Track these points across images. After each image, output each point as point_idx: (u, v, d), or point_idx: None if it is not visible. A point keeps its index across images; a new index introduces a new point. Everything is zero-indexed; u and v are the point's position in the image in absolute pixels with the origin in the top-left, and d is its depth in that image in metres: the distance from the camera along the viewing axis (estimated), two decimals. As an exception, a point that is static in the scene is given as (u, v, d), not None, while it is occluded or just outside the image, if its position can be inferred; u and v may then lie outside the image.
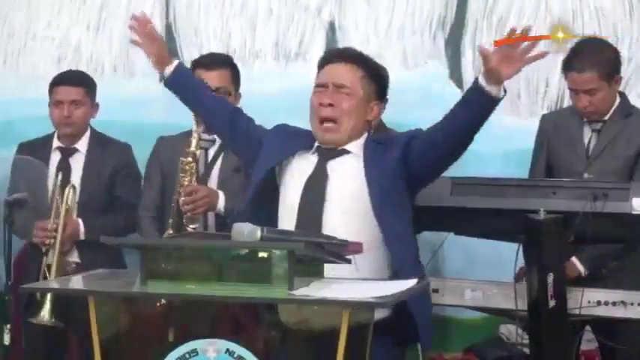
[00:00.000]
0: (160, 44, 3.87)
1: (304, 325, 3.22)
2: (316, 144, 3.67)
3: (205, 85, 4.04)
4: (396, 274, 3.49)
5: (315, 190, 3.57)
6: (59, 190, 4.70)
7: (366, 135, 3.68)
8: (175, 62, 3.87)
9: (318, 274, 3.32)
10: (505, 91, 3.42)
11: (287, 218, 3.58)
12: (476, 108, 3.44)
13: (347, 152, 3.63)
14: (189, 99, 3.92)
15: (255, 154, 3.75)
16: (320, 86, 3.67)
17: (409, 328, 3.53)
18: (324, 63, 3.72)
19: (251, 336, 3.19)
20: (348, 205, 3.54)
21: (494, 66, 3.34)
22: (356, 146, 3.64)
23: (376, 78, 3.70)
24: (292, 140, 3.72)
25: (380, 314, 3.42)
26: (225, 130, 3.89)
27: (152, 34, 3.86)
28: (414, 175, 3.57)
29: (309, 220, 3.52)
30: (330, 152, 3.63)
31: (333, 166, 3.61)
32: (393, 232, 3.52)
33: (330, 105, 3.60)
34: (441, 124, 3.52)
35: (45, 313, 4.52)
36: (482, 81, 3.39)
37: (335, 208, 3.54)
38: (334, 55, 3.77)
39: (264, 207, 3.64)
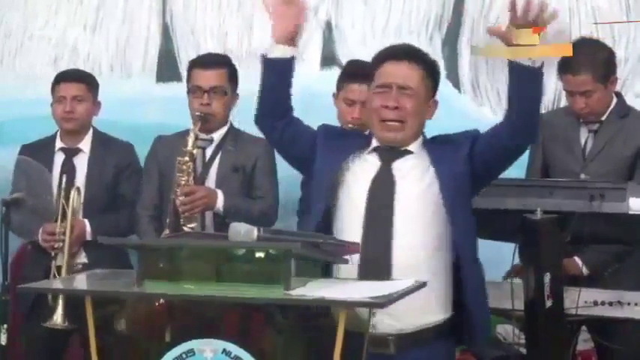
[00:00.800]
0: (298, 24, 3.65)
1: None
2: (374, 144, 3.60)
3: (290, 89, 3.75)
4: (458, 273, 3.48)
5: (383, 191, 3.50)
6: (65, 192, 4.70)
7: (421, 135, 3.63)
8: (294, 52, 3.67)
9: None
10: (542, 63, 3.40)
11: (352, 219, 3.51)
12: (519, 85, 3.40)
13: (409, 152, 3.57)
14: (270, 91, 3.68)
15: (303, 153, 3.66)
16: (382, 87, 3.57)
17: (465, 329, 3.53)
18: (382, 61, 3.62)
19: (248, 336, 3.19)
20: (417, 206, 3.49)
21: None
22: (416, 146, 3.58)
23: (433, 75, 3.63)
24: (346, 141, 3.65)
25: (439, 316, 3.47)
26: (276, 133, 3.71)
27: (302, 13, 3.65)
28: (478, 174, 3.53)
29: (379, 221, 3.47)
30: (393, 152, 3.57)
31: (399, 167, 3.54)
32: (463, 231, 3.50)
33: (396, 108, 3.53)
34: (501, 123, 3.50)
35: (58, 317, 4.52)
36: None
37: (404, 208, 3.48)
38: (395, 53, 3.64)
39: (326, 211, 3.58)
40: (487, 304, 3.66)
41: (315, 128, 3.74)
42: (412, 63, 3.57)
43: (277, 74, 3.65)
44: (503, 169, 3.64)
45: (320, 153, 3.62)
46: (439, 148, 3.56)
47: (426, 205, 3.48)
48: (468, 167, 3.51)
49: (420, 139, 3.60)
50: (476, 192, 3.61)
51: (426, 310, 3.43)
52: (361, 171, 3.56)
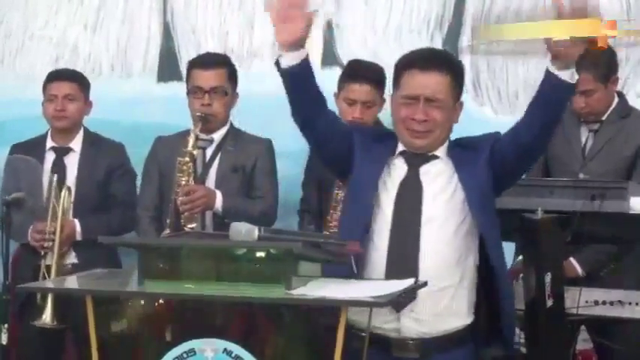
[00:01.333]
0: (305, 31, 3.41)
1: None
2: (400, 148, 3.55)
3: (316, 86, 3.53)
4: (495, 278, 3.46)
5: (411, 195, 3.48)
6: (55, 191, 4.69)
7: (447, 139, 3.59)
8: (304, 53, 3.42)
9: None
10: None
11: (379, 223, 3.47)
12: (550, 97, 3.38)
13: (436, 157, 3.53)
14: (297, 98, 3.50)
15: (342, 153, 3.57)
16: (409, 98, 3.49)
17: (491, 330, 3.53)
18: (407, 67, 3.53)
19: (249, 336, 3.19)
20: (444, 211, 3.46)
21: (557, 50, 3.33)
22: (442, 151, 3.54)
23: (459, 80, 3.58)
24: (380, 147, 3.59)
25: (463, 321, 3.45)
26: (320, 136, 3.56)
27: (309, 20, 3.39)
28: (499, 177, 3.50)
29: (406, 225, 3.44)
30: (419, 157, 3.53)
31: (425, 172, 3.51)
32: (492, 235, 3.48)
33: (424, 121, 3.47)
34: (522, 122, 3.46)
35: (47, 316, 4.51)
36: (551, 68, 3.35)
37: (431, 213, 3.45)
38: (421, 61, 3.53)
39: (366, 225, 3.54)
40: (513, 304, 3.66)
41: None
42: (439, 71, 3.48)
43: (296, 81, 3.46)
44: (525, 170, 3.64)
45: (359, 155, 3.55)
46: (462, 153, 3.53)
47: (453, 211, 3.45)
48: (490, 171, 3.48)
49: (447, 144, 3.56)
50: (498, 194, 3.58)
51: (452, 314, 3.42)
52: (391, 175, 3.53)
